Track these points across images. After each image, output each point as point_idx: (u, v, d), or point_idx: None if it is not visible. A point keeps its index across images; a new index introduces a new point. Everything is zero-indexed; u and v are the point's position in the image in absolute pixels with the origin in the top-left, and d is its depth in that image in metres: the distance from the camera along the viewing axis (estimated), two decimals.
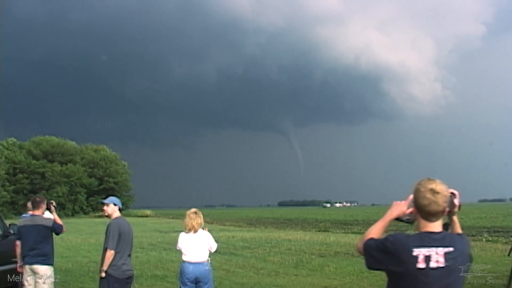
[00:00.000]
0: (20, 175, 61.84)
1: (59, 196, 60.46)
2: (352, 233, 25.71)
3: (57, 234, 6.41)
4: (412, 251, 2.14)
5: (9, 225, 8.40)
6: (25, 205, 8.40)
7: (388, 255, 2.19)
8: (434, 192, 2.17)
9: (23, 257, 6.25)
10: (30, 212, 7.09)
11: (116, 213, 5.57)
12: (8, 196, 58.80)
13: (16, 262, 7.22)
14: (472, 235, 22.70)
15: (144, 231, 29.07)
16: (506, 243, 18.18)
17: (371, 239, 2.32)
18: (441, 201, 2.18)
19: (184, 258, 5.83)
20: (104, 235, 5.53)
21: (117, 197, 6.07)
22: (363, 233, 2.50)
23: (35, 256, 6.14)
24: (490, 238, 20.47)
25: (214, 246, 6.00)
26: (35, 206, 6.35)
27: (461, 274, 2.20)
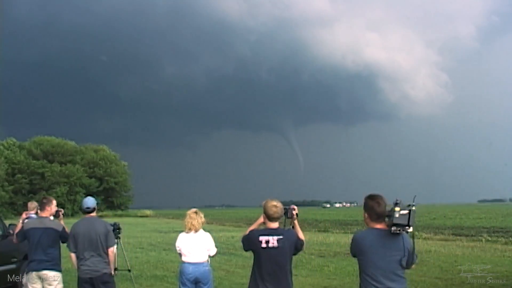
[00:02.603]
0: (19, 175, 61.75)
1: (58, 196, 60.22)
2: (352, 233, 25.52)
3: (63, 242, 6.05)
4: (258, 238, 3.98)
5: (9, 225, 8.38)
6: (25, 205, 8.32)
7: (248, 241, 4.08)
8: (274, 206, 4.03)
9: (29, 262, 5.81)
10: (33, 213, 6.99)
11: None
12: (7, 196, 58.74)
13: (16, 262, 7.18)
14: (472, 235, 22.70)
15: (144, 231, 29.09)
16: (505, 243, 18.20)
17: (246, 234, 4.14)
18: (278, 212, 4.03)
19: (184, 258, 5.79)
20: None
21: (94, 197, 6.19)
22: None
23: (44, 262, 5.74)
24: (489, 239, 20.41)
25: (213, 251, 5.94)
26: (43, 207, 5.92)
27: (288, 252, 4.02)
